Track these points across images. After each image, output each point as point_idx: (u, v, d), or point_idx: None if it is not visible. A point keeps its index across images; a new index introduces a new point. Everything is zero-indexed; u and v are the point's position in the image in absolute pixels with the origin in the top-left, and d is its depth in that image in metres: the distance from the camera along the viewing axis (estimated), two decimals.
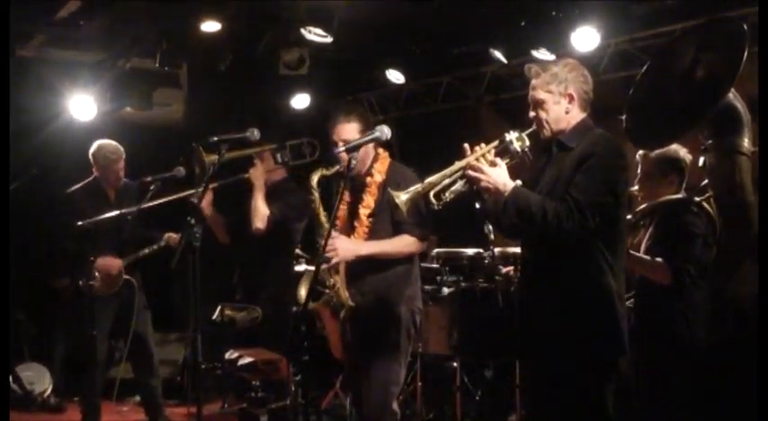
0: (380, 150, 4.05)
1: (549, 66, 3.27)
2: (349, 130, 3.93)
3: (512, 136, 3.15)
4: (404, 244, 3.89)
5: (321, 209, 3.90)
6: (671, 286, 3.79)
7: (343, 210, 3.98)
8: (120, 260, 5.46)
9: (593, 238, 3.05)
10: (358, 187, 4.02)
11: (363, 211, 3.95)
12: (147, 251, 5.58)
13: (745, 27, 3.80)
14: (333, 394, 6.18)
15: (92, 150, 5.56)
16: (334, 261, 3.73)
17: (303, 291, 4.18)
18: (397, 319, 3.90)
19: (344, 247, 3.76)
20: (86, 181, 5.62)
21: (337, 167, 3.84)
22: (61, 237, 5.52)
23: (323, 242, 3.58)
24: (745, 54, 3.72)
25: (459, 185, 3.16)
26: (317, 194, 3.88)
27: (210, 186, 4.98)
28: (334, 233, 3.70)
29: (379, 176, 3.98)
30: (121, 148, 5.59)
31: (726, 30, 3.99)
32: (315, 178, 3.85)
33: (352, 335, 3.98)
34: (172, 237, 5.58)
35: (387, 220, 3.92)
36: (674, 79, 4.02)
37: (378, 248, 3.88)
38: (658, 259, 3.83)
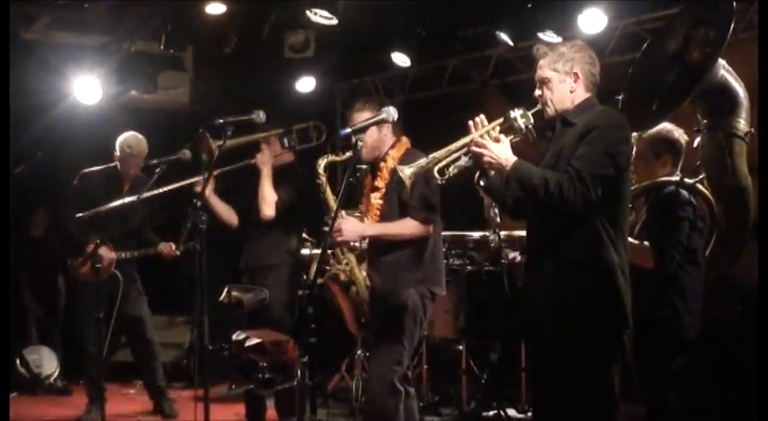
0: (404, 138, 4.18)
1: (557, 46, 3.29)
2: (360, 118, 4.04)
3: (516, 113, 3.16)
4: (407, 226, 3.99)
5: (329, 192, 4.12)
6: (656, 271, 3.72)
7: (369, 194, 4.17)
8: (114, 255, 5.48)
9: (595, 212, 3.05)
10: (373, 172, 4.18)
11: (374, 195, 4.10)
12: (140, 252, 5.62)
13: (734, 4, 3.78)
14: (339, 377, 6.20)
15: (119, 138, 5.56)
16: (339, 240, 3.90)
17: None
18: (403, 301, 3.98)
19: (349, 229, 3.91)
20: (106, 166, 5.62)
21: (349, 154, 3.98)
22: (66, 217, 5.53)
23: (331, 224, 3.73)
24: (732, 25, 3.69)
25: (463, 161, 3.17)
26: (324, 179, 4.11)
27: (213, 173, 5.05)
28: (343, 214, 3.91)
29: (391, 162, 4.08)
30: (144, 145, 5.56)
31: (714, 5, 3.97)
32: (322, 164, 4.10)
33: (372, 315, 4.11)
34: (166, 247, 5.59)
35: (395, 203, 4.03)
36: (666, 60, 4.00)
37: (381, 230, 4.04)
38: (645, 243, 3.76)
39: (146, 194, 5.17)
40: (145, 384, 5.90)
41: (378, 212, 4.08)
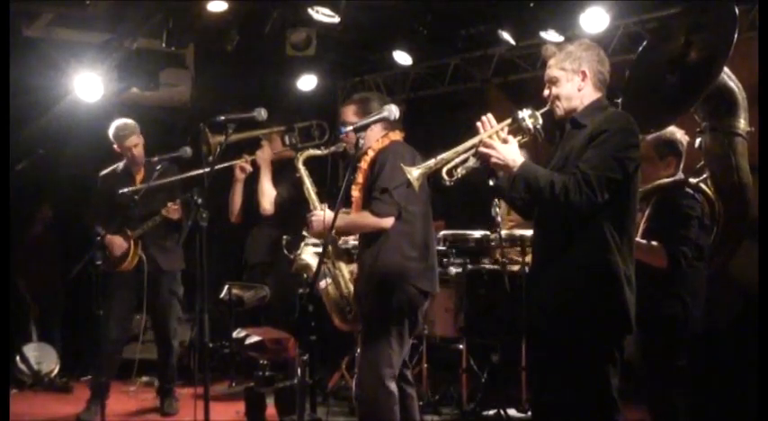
0: (396, 132, 4.12)
1: (565, 45, 3.29)
2: (346, 112, 4.12)
3: (524, 113, 3.16)
4: (360, 218, 4.02)
5: (308, 186, 4.21)
6: (667, 270, 3.77)
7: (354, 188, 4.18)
8: (124, 241, 5.46)
9: (601, 216, 3.05)
10: (357, 166, 4.18)
11: (354, 188, 4.10)
12: (149, 224, 5.57)
13: (736, 9, 3.80)
14: (339, 375, 6.19)
15: (110, 132, 5.55)
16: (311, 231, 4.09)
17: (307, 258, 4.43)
18: (388, 301, 3.92)
19: (316, 220, 4.02)
20: (116, 164, 5.64)
21: (333, 148, 4.10)
22: (92, 219, 5.52)
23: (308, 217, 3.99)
24: (736, 32, 3.70)
25: (471, 162, 3.17)
26: (303, 171, 4.19)
27: (223, 166, 5.08)
28: (319, 207, 4.09)
29: (371, 154, 4.05)
30: (132, 124, 5.56)
31: (716, 10, 3.98)
32: (301, 158, 4.19)
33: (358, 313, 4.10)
34: (170, 207, 5.54)
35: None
36: (667, 63, 4.02)
37: (340, 221, 3.99)
38: (654, 242, 3.80)
39: (171, 178, 5.24)
40: (159, 380, 5.93)
41: (358, 205, 4.07)
